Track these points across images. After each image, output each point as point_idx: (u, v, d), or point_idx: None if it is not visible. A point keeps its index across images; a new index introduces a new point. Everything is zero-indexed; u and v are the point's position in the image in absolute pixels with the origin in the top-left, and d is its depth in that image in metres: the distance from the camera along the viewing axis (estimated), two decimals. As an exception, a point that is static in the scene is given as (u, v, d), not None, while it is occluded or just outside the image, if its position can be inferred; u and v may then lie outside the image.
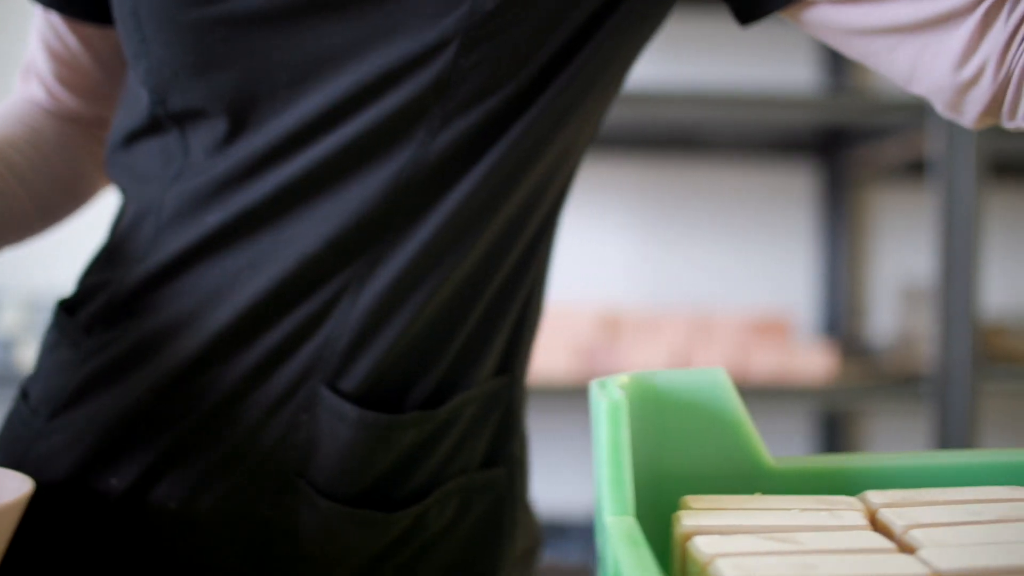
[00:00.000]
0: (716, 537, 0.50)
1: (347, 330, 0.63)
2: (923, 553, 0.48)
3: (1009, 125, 0.64)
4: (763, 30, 2.31)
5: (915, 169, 2.16)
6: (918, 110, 1.86)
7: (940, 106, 0.65)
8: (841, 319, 2.28)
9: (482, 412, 0.70)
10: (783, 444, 2.20)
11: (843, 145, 2.28)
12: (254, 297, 0.62)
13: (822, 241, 2.31)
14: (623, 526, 0.50)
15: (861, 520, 0.53)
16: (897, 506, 0.55)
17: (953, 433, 1.83)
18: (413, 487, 0.67)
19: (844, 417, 2.24)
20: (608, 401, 0.54)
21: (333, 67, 0.60)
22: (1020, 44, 0.60)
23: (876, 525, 0.54)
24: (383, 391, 0.65)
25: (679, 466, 0.60)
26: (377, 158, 0.61)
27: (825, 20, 0.65)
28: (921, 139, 1.92)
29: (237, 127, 0.62)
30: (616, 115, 2.02)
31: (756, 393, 1.86)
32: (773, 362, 1.87)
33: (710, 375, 0.61)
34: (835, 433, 2.25)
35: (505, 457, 0.72)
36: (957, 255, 1.82)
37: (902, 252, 2.31)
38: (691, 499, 0.56)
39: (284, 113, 0.62)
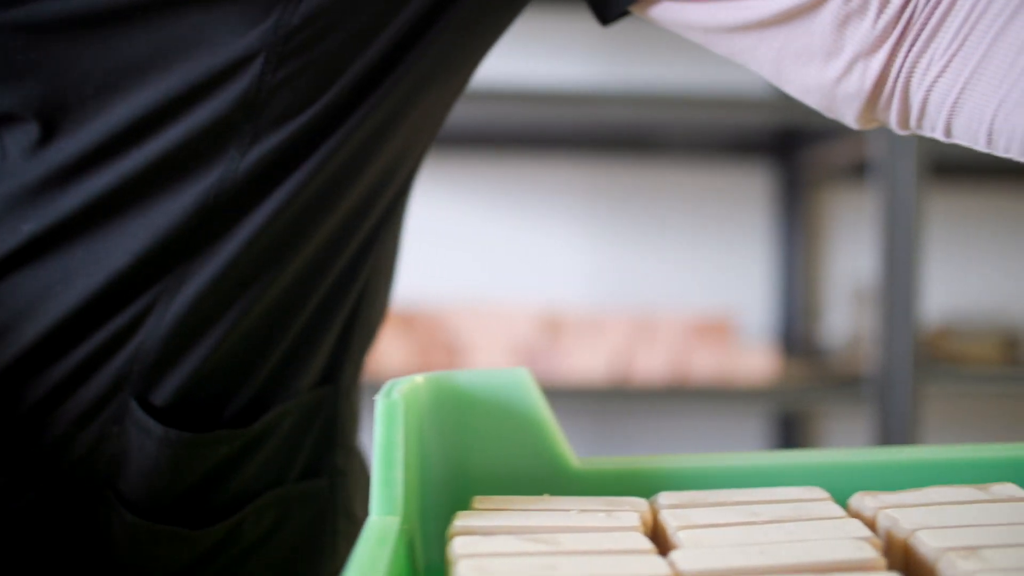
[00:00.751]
0: (476, 538, 0.50)
1: (156, 344, 0.62)
2: (674, 554, 0.47)
3: (902, 132, 0.63)
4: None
5: (864, 170, 2.15)
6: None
7: (816, 107, 0.64)
8: (795, 320, 2.28)
9: (302, 423, 0.69)
10: (728, 445, 2.20)
11: (797, 146, 2.27)
12: (65, 311, 0.62)
13: (777, 242, 2.31)
14: (380, 525, 0.49)
15: (635, 521, 0.52)
16: (682, 507, 0.55)
17: (895, 433, 1.82)
18: (225, 500, 0.66)
19: (797, 418, 2.24)
20: (384, 401, 0.54)
21: (138, 78, 0.60)
22: (909, 49, 0.59)
23: (656, 527, 0.54)
24: (196, 405, 0.64)
25: (482, 466, 0.60)
26: (186, 174, 0.61)
27: (677, 19, 0.63)
28: (865, 140, 1.92)
29: (49, 132, 0.62)
30: (566, 115, 2.02)
31: (698, 394, 1.86)
32: (714, 363, 1.86)
33: (513, 375, 0.60)
34: (788, 434, 2.25)
35: (327, 468, 0.71)
36: (899, 256, 1.82)
37: (856, 253, 2.31)
38: (479, 500, 0.56)
39: (93, 122, 0.61)
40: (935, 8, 0.57)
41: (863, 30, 0.58)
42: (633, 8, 0.63)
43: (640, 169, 2.29)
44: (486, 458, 0.60)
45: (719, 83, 2.27)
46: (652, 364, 1.85)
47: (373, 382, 1.82)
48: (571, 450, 0.61)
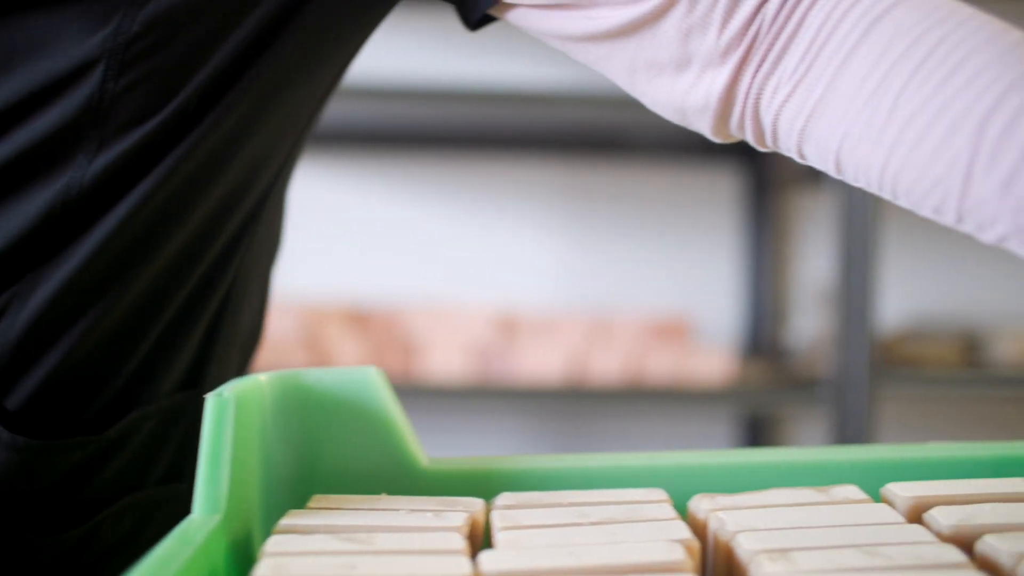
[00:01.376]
0: (293, 536, 0.50)
1: (8, 349, 0.62)
2: (484, 554, 0.47)
3: (762, 149, 0.62)
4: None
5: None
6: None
7: (672, 120, 0.63)
8: (761, 322, 2.27)
9: (163, 428, 0.69)
10: (686, 447, 2.19)
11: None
12: None
13: (743, 244, 2.30)
14: (191, 525, 0.49)
15: (461, 521, 0.52)
16: (516, 508, 0.55)
17: (851, 437, 1.82)
18: (81, 505, 0.66)
19: (761, 421, 2.23)
20: (213, 400, 0.53)
21: None
22: (757, 69, 0.57)
23: (485, 527, 0.54)
24: (52, 409, 0.64)
25: (331, 465, 0.59)
26: (35, 179, 0.60)
27: (534, 26, 0.62)
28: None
29: None
30: (529, 116, 2.01)
31: (653, 395, 1.86)
32: (670, 364, 1.86)
33: (362, 374, 0.60)
34: (753, 437, 2.24)
35: (190, 472, 0.71)
36: (855, 259, 1.82)
37: (823, 254, 2.30)
38: (317, 499, 0.56)
39: None
40: (782, 29, 0.56)
41: (707, 44, 0.57)
42: (496, 13, 0.63)
43: (605, 170, 2.29)
44: (335, 457, 0.59)
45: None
46: (608, 365, 1.84)
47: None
48: (421, 449, 0.60)
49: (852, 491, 0.57)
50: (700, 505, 0.55)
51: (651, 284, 2.26)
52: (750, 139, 0.61)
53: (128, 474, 0.67)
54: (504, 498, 0.56)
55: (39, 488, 0.64)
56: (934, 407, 2.24)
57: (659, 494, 0.56)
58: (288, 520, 0.52)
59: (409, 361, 1.86)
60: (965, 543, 0.50)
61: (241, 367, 0.76)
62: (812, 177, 2.30)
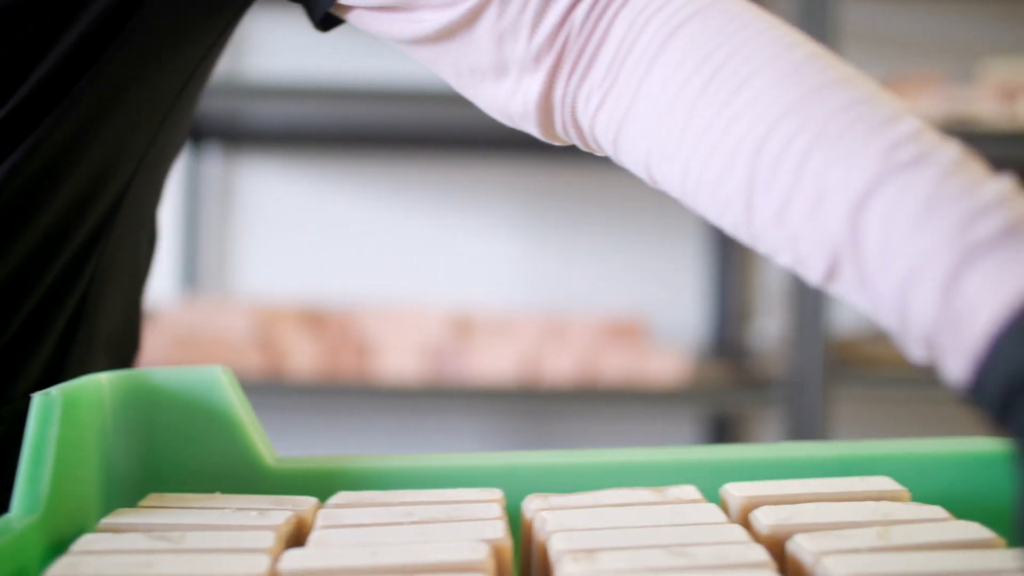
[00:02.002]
0: (104, 535, 0.50)
1: None
2: (288, 552, 0.47)
3: (597, 154, 0.61)
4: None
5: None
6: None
7: (503, 122, 0.62)
8: (727, 322, 2.27)
9: (16, 431, 0.68)
10: (645, 445, 2.19)
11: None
12: None
13: (709, 242, 2.30)
14: (7, 521, 0.49)
15: (281, 520, 0.52)
16: (346, 507, 0.55)
17: (806, 436, 1.81)
18: None
19: (726, 421, 2.23)
20: (39, 400, 0.53)
21: None
22: (569, 76, 0.56)
23: (303, 526, 0.54)
24: None
25: (176, 464, 0.59)
26: None
27: (370, 28, 0.62)
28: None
29: None
30: (484, 115, 2.01)
31: (606, 395, 1.85)
32: (625, 364, 1.85)
33: (208, 373, 0.60)
34: (718, 437, 2.24)
35: None
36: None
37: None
38: (152, 497, 0.56)
39: None
40: (590, 36, 0.55)
41: (519, 50, 0.56)
42: (338, 14, 0.62)
43: (565, 169, 2.28)
44: (181, 456, 0.59)
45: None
46: (561, 365, 1.84)
47: (282, 382, 1.83)
48: (269, 447, 0.60)
49: (689, 491, 0.57)
50: (530, 505, 0.55)
51: (610, 284, 2.26)
52: (579, 145, 0.60)
53: None
54: (338, 497, 0.56)
55: None
56: (890, 407, 2.24)
57: (494, 494, 0.56)
58: (110, 519, 0.52)
59: (364, 361, 1.86)
60: (779, 542, 0.50)
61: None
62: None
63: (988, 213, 0.43)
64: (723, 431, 2.24)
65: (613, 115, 0.55)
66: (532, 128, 0.59)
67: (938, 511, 0.52)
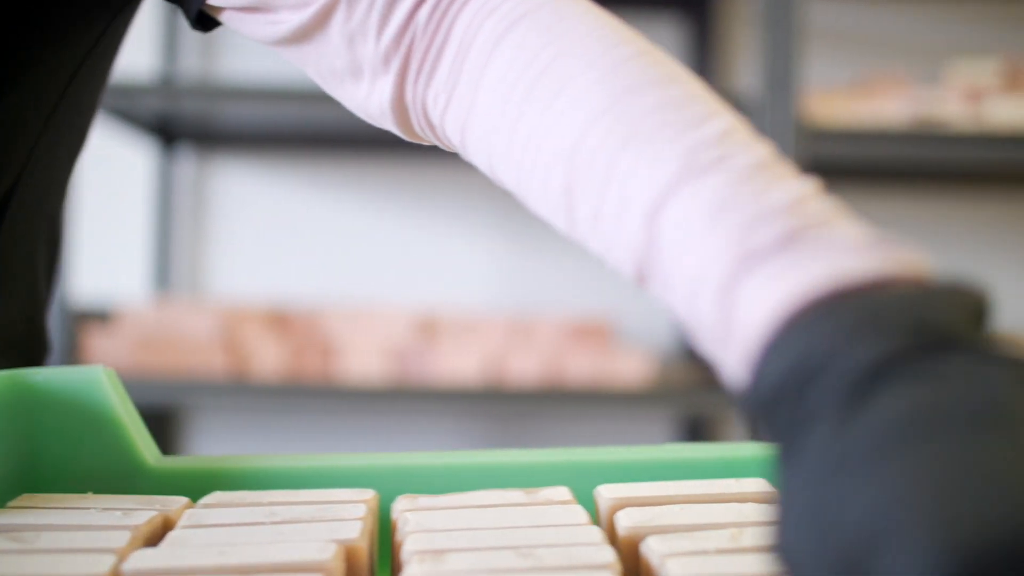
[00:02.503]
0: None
1: None
2: (136, 553, 0.47)
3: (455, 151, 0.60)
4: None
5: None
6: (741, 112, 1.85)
7: (372, 124, 0.62)
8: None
9: None
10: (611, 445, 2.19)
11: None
12: None
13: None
14: None
15: (142, 520, 0.52)
16: (214, 507, 0.55)
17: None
18: None
19: (697, 423, 2.22)
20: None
21: None
22: (416, 78, 0.56)
23: (168, 525, 0.54)
24: None
25: (57, 465, 0.59)
26: None
27: (239, 29, 0.61)
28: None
29: None
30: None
31: (571, 397, 1.85)
32: (589, 366, 1.85)
33: (89, 374, 0.60)
34: (689, 439, 2.24)
35: None
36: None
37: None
38: (25, 497, 0.56)
39: None
40: (433, 36, 0.55)
41: (368, 51, 0.57)
42: (212, 14, 0.62)
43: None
44: (61, 457, 0.59)
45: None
46: (527, 366, 1.84)
47: (247, 383, 1.82)
48: (152, 447, 0.60)
49: (561, 492, 0.57)
50: (398, 506, 0.55)
51: (578, 286, 2.25)
52: (439, 145, 0.60)
53: None
54: (211, 497, 0.56)
55: None
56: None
57: (366, 494, 0.56)
58: (-27, 519, 0.52)
59: (328, 362, 1.86)
60: (635, 544, 0.50)
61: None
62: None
63: (771, 219, 0.41)
64: (695, 433, 2.24)
65: (458, 115, 0.55)
66: (393, 128, 0.59)
67: (800, 513, 0.52)
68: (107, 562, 0.46)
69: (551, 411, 2.19)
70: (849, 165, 2.13)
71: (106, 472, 0.59)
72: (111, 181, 2.22)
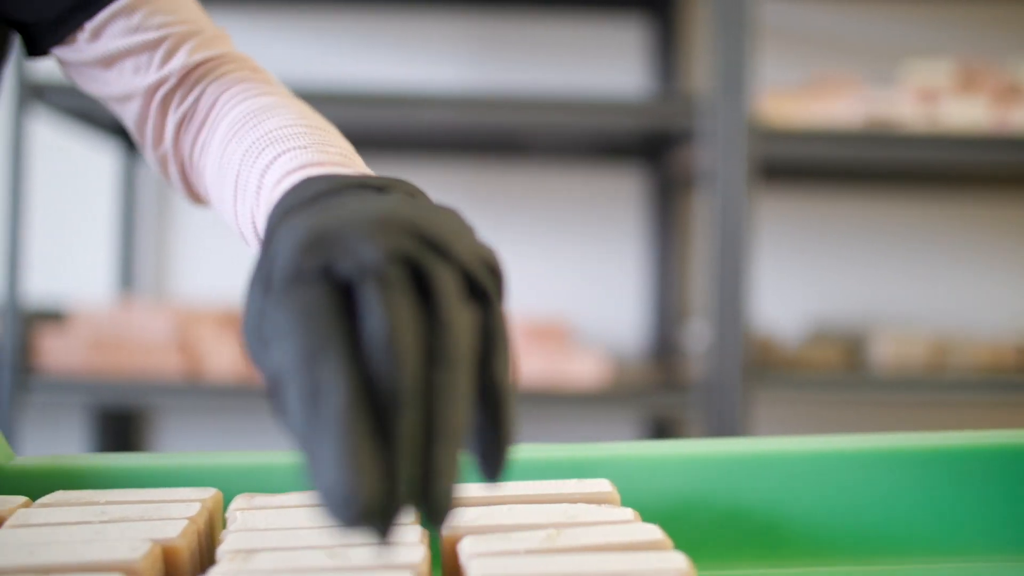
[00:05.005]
0: None
1: None
2: None
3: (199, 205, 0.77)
4: (590, 34, 2.30)
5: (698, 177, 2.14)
6: (691, 114, 1.85)
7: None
8: (664, 324, 2.27)
9: None
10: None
11: (668, 149, 2.26)
12: None
13: (648, 245, 2.30)
14: None
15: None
16: (50, 506, 0.55)
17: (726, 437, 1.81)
18: None
19: (660, 424, 2.22)
20: None
21: None
22: (175, 137, 0.72)
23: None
24: None
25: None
26: None
27: (79, 81, 0.74)
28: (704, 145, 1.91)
29: None
30: (434, 118, 2.01)
31: (525, 398, 1.85)
32: (544, 367, 1.85)
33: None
34: (647, 439, 2.24)
35: None
36: (728, 261, 1.81)
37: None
38: None
39: None
40: (194, 117, 0.72)
41: (150, 126, 0.72)
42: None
43: (506, 172, 2.28)
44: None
45: (593, 86, 2.26)
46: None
47: (201, 384, 1.82)
48: (5, 447, 0.60)
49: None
50: (233, 504, 0.55)
51: (545, 287, 2.26)
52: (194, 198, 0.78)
53: None
54: (51, 496, 0.56)
55: None
56: (815, 410, 2.23)
57: (206, 493, 0.56)
58: None
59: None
60: (454, 544, 0.50)
61: None
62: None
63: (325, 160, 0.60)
64: (656, 434, 2.24)
65: (210, 191, 0.71)
66: (176, 184, 0.76)
67: (627, 513, 0.52)
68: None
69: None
70: (802, 165, 2.13)
71: (-42, 472, 0.59)
72: (73, 182, 2.22)
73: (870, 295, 2.27)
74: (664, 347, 2.26)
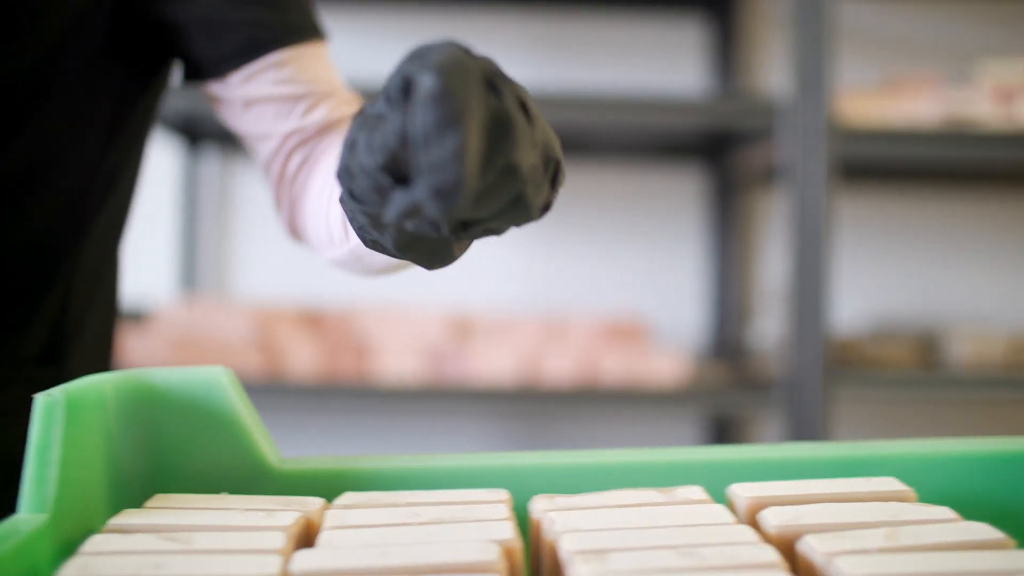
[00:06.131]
0: (115, 536, 0.50)
1: None
2: (298, 554, 0.47)
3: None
4: (650, 33, 2.30)
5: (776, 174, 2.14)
6: (771, 113, 1.85)
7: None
8: (725, 323, 2.27)
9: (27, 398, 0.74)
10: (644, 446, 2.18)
11: (729, 148, 2.27)
12: None
13: (708, 244, 2.30)
14: (13, 523, 0.49)
15: (290, 521, 0.52)
16: (353, 507, 0.55)
17: (806, 437, 1.81)
18: None
19: (724, 422, 2.23)
20: (43, 400, 0.53)
21: None
22: (294, 176, 0.80)
23: (311, 527, 0.54)
24: None
25: (183, 466, 0.59)
26: None
27: (221, 111, 0.82)
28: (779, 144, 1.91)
29: None
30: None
31: (606, 397, 1.85)
32: (624, 366, 1.85)
33: (210, 374, 0.60)
34: (718, 438, 2.24)
35: None
36: (808, 260, 1.81)
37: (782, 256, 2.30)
38: (158, 498, 0.56)
39: None
40: (312, 162, 0.79)
41: (277, 166, 0.81)
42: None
43: (570, 171, 2.28)
44: (185, 457, 0.59)
45: (652, 85, 2.26)
46: (561, 366, 1.84)
47: (282, 384, 1.82)
48: (273, 448, 0.60)
49: (695, 492, 0.57)
50: (537, 506, 0.55)
51: (609, 286, 2.26)
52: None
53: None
54: (345, 498, 0.56)
55: None
56: (890, 408, 2.24)
57: (501, 494, 0.56)
58: (118, 519, 0.52)
59: (363, 363, 1.86)
60: (788, 543, 0.50)
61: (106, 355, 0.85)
62: (769, 178, 2.30)
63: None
64: (722, 432, 2.24)
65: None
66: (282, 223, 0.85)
67: (946, 512, 0.52)
68: (274, 562, 0.46)
69: (585, 411, 2.19)
70: (880, 165, 2.14)
71: (230, 472, 0.59)
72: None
73: (944, 294, 2.28)
74: (726, 346, 2.26)
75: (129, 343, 1.83)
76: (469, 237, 0.53)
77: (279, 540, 0.49)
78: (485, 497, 0.56)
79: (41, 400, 0.53)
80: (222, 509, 0.54)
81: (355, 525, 0.52)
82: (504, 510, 0.53)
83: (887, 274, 2.30)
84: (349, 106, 0.81)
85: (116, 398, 0.58)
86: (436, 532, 0.50)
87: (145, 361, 1.82)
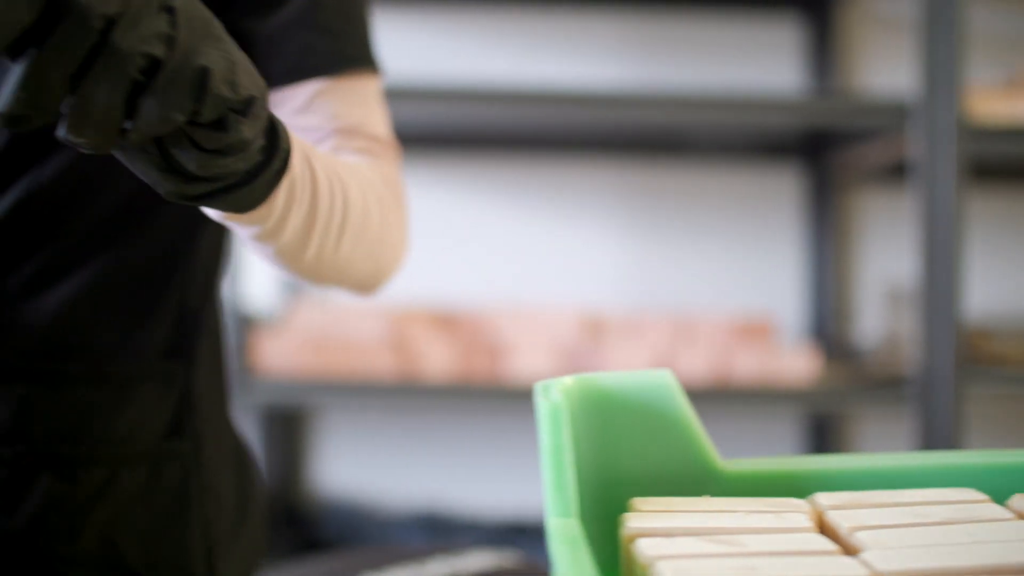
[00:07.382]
0: (660, 539, 0.50)
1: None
2: (866, 555, 0.47)
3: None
4: (745, 33, 2.30)
5: (898, 171, 2.15)
6: (899, 112, 1.86)
7: None
8: (828, 321, 2.28)
9: (159, 390, 0.82)
10: (770, 447, 2.20)
11: (828, 148, 2.28)
12: None
13: (808, 243, 2.31)
14: (564, 528, 0.49)
15: (806, 522, 0.52)
16: (845, 508, 0.55)
17: (938, 435, 1.82)
18: (91, 450, 0.78)
19: (831, 420, 2.24)
20: (548, 404, 0.53)
21: None
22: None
23: (823, 527, 0.54)
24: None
25: (628, 468, 0.60)
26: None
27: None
28: (902, 141, 1.92)
29: None
30: (600, 118, 2.02)
31: (740, 395, 1.86)
32: (757, 365, 1.86)
33: (656, 377, 0.60)
34: (823, 436, 2.25)
35: (188, 432, 0.83)
36: (939, 257, 1.82)
37: (888, 254, 2.31)
38: (639, 501, 0.56)
39: None
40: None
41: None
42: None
43: (672, 171, 2.29)
44: (634, 460, 0.60)
45: (749, 84, 2.27)
46: (694, 365, 1.84)
47: (416, 385, 1.82)
48: (713, 449, 0.61)
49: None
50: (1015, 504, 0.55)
51: (723, 284, 2.26)
52: None
53: (133, 429, 0.80)
54: (824, 498, 0.56)
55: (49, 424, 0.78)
56: (1017, 406, 2.25)
57: (975, 494, 0.56)
58: (634, 523, 0.52)
59: (496, 363, 1.86)
60: None
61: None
62: (877, 176, 2.31)
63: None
64: (837, 431, 2.25)
65: None
66: None
67: None
68: (851, 564, 0.46)
69: (718, 410, 2.20)
70: (1011, 163, 2.15)
71: (679, 475, 0.60)
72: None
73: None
74: (829, 344, 2.27)
75: (264, 345, 1.83)
76: (144, 131, 0.53)
77: (823, 541, 0.49)
78: (961, 497, 0.56)
79: (546, 405, 0.53)
80: (724, 511, 0.54)
81: (876, 526, 0.52)
82: (1000, 510, 0.54)
83: (1016, 271, 2.31)
84: (363, 151, 0.81)
85: (576, 402, 0.58)
86: (974, 532, 0.50)
87: (279, 364, 1.82)
